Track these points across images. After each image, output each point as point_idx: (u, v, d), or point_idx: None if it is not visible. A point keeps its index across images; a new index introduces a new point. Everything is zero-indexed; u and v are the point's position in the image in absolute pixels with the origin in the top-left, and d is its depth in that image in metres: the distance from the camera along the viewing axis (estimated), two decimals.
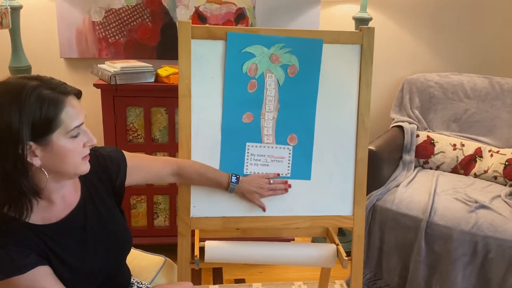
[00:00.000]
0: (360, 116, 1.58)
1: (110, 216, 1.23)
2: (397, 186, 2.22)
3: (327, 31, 1.55)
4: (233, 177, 1.49)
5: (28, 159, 0.99)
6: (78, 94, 1.07)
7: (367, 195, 1.69)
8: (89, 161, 1.12)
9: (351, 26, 2.41)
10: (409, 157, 2.43)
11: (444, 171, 2.43)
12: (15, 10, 2.20)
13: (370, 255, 2.20)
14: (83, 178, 1.18)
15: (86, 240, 1.16)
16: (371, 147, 2.15)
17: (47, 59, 2.48)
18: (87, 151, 1.09)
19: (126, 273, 1.36)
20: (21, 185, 1.00)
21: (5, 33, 2.25)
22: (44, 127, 0.99)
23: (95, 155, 1.20)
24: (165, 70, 2.25)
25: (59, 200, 1.12)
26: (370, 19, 2.37)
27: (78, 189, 1.18)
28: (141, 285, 1.38)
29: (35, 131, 0.98)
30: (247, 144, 1.56)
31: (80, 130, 1.06)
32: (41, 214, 1.09)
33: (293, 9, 2.51)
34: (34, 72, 2.35)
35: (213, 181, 1.49)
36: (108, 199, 1.24)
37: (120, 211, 1.29)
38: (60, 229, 1.10)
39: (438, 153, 2.44)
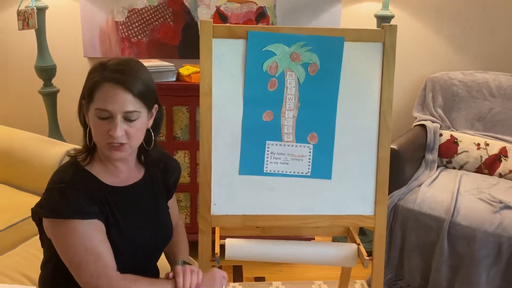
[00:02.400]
0: (382, 114, 1.56)
1: (161, 206, 1.32)
2: (419, 185, 2.19)
3: (349, 29, 1.54)
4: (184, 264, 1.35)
5: (84, 113, 1.15)
6: (120, 83, 1.10)
7: (388, 194, 1.67)
8: (156, 154, 1.27)
9: (372, 24, 2.39)
10: (432, 156, 2.40)
11: (467, 170, 2.39)
12: (41, 10, 2.25)
13: (391, 255, 2.18)
14: (148, 165, 1.29)
15: (138, 214, 1.23)
16: (393, 146, 2.13)
17: (71, 59, 2.53)
18: (110, 139, 1.11)
19: (157, 272, 1.39)
20: (85, 136, 1.17)
21: (31, 33, 2.30)
22: (87, 95, 1.13)
23: (162, 152, 1.34)
24: (186, 69, 2.27)
25: (125, 169, 1.23)
26: (392, 16, 2.35)
27: (142, 172, 1.29)
28: None
29: (85, 93, 1.14)
30: (267, 142, 1.56)
31: (106, 115, 1.10)
32: (109, 176, 1.20)
33: (314, 8, 2.50)
34: (58, 72, 2.40)
35: (172, 254, 1.40)
36: (162, 192, 1.34)
37: (167, 206, 1.37)
38: (121, 194, 1.19)
39: (461, 153, 2.40)
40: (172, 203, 1.41)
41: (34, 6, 2.18)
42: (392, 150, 2.03)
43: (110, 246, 1.14)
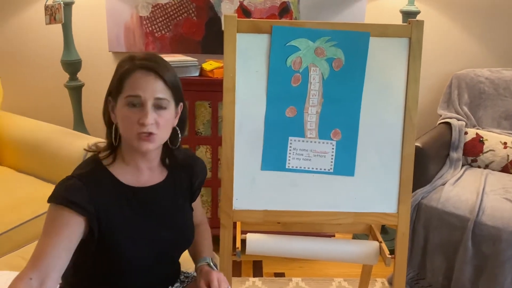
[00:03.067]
0: (407, 111, 1.54)
1: (183, 209, 1.31)
2: (444, 184, 2.16)
3: (374, 24, 1.52)
4: (210, 262, 1.32)
5: (110, 111, 1.16)
6: (152, 70, 1.12)
7: (412, 192, 1.65)
8: (181, 156, 1.26)
9: (397, 20, 2.36)
10: (457, 154, 2.35)
11: (493, 170, 2.34)
12: (68, 5, 2.28)
13: (413, 253, 2.15)
14: (171, 167, 1.28)
15: (154, 215, 1.21)
16: (417, 144, 2.10)
17: (96, 53, 2.57)
18: (141, 129, 1.11)
19: (177, 268, 1.39)
20: (110, 135, 1.17)
21: (58, 28, 2.34)
22: (115, 88, 1.14)
23: (186, 153, 1.32)
24: (209, 64, 2.28)
25: (146, 170, 1.21)
26: (418, 12, 2.31)
27: (164, 174, 1.27)
28: (188, 275, 1.41)
29: (112, 89, 1.15)
30: (290, 138, 1.55)
31: (137, 102, 1.11)
32: (129, 176, 1.19)
33: (338, 3, 2.47)
34: (83, 66, 2.44)
35: (196, 253, 1.38)
36: (186, 194, 1.32)
37: (191, 208, 1.36)
38: (139, 194, 1.17)
39: (487, 151, 2.35)
40: (196, 204, 1.40)
41: (61, 1, 2.21)
42: (416, 147, 1.99)
43: (68, 249, 1.08)
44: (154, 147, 1.16)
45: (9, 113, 2.40)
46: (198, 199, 1.42)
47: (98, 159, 1.19)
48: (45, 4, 2.18)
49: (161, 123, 1.13)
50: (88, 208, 1.09)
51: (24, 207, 1.88)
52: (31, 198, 1.94)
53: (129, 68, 1.12)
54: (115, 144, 1.18)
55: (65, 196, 1.09)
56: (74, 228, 1.08)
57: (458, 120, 2.43)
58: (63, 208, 1.08)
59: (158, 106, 1.12)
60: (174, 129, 1.21)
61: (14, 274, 1.46)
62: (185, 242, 1.31)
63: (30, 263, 1.07)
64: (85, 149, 1.25)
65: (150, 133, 1.11)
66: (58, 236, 1.06)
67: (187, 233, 1.31)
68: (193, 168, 1.34)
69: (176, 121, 1.21)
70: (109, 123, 1.18)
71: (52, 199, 1.11)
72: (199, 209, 1.44)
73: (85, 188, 1.10)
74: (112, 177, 1.16)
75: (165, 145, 1.23)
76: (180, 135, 1.24)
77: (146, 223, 1.20)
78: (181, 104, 1.22)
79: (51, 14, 2.19)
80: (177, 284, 1.35)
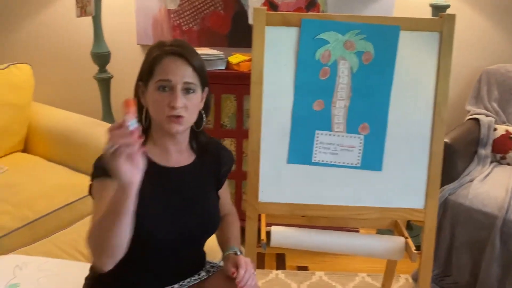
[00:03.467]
0: (437, 106, 1.52)
1: (210, 195, 1.33)
2: (471, 181, 2.13)
3: (405, 18, 1.50)
4: (238, 251, 1.32)
5: (140, 96, 1.21)
6: (181, 56, 1.17)
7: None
8: (210, 146, 1.30)
9: (426, 14, 2.32)
10: (485, 151, 2.31)
11: None
12: None
13: (439, 250, 2.13)
14: (199, 152, 1.31)
15: (179, 197, 1.24)
16: (446, 140, 2.06)
17: (125, 46, 2.60)
18: (171, 112, 1.15)
19: (202, 255, 1.41)
20: (140, 118, 1.19)
21: (88, 20, 2.38)
22: (146, 73, 1.19)
23: (215, 141, 1.36)
24: (235, 58, 2.29)
25: (175, 152, 1.25)
26: (448, 6, 2.27)
27: (192, 158, 1.30)
28: (214, 264, 1.43)
29: (142, 74, 1.20)
30: (317, 132, 1.55)
31: (167, 86, 1.15)
32: (158, 157, 1.23)
33: None
34: (112, 58, 2.48)
35: (223, 242, 1.39)
36: (212, 181, 1.34)
37: (217, 196, 1.37)
38: (168, 173, 1.19)
39: None
40: (223, 193, 1.40)
41: None
42: (444, 143, 1.97)
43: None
44: (183, 129, 1.20)
45: (40, 104, 2.46)
46: (226, 190, 1.43)
47: None
48: None
49: (190, 106, 1.18)
50: None
51: (55, 195, 1.93)
52: (61, 187, 1.99)
53: (159, 54, 1.17)
54: (145, 127, 1.22)
55: (102, 167, 1.09)
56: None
57: (487, 116, 2.39)
58: (104, 179, 1.10)
59: (187, 90, 1.17)
60: (199, 113, 1.26)
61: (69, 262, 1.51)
62: (211, 226, 1.32)
63: None
64: None
65: (180, 116, 1.16)
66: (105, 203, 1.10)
67: (212, 218, 1.32)
68: (220, 156, 1.36)
69: (202, 105, 1.26)
70: (140, 107, 1.22)
71: (92, 176, 1.17)
72: (227, 199, 1.45)
73: None
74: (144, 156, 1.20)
75: (190, 128, 1.27)
76: (204, 118, 1.28)
77: (173, 203, 1.23)
78: (206, 88, 1.27)
79: (81, 7, 2.23)
80: (203, 273, 1.37)
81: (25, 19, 2.64)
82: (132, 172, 0.93)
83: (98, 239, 1.01)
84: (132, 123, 0.90)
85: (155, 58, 1.17)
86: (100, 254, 1.02)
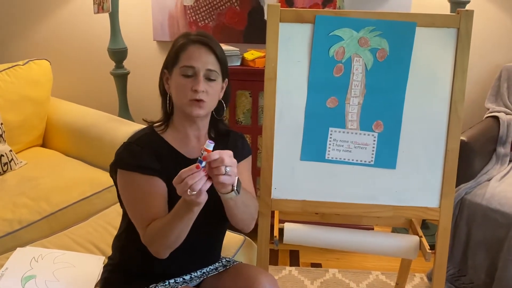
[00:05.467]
0: (453, 104, 1.50)
1: None
2: (489, 180, 2.09)
3: (421, 14, 1.48)
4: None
5: (165, 82, 1.28)
6: (205, 45, 1.23)
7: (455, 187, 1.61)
8: (228, 135, 1.34)
9: (444, 10, 2.28)
10: (504, 150, 2.27)
11: None
12: None
13: (454, 250, 2.10)
14: (217, 142, 1.28)
15: None
16: (463, 138, 2.03)
17: (141, 42, 2.62)
18: (194, 95, 1.21)
19: (219, 246, 1.43)
20: (164, 104, 1.29)
21: (105, 17, 2.40)
22: (171, 61, 1.26)
23: (235, 132, 1.40)
24: (251, 54, 2.28)
25: (194, 138, 1.30)
26: (468, 1, 2.22)
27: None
28: (229, 259, 1.44)
29: (168, 62, 1.27)
30: (330, 129, 1.55)
31: (191, 72, 1.22)
32: (179, 143, 1.29)
33: None
34: (129, 54, 2.50)
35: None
36: None
37: None
38: (186, 162, 1.17)
39: None
40: (243, 178, 1.33)
41: None
42: (462, 141, 1.94)
43: (165, 203, 1.20)
44: (203, 113, 1.25)
45: (58, 99, 2.50)
46: (246, 174, 1.37)
47: (152, 127, 1.31)
48: None
49: (210, 92, 1.23)
50: (155, 167, 1.21)
51: (71, 189, 1.96)
52: (78, 181, 2.02)
53: (185, 42, 1.24)
54: (168, 112, 1.29)
55: (131, 162, 1.21)
56: (155, 186, 1.20)
57: (507, 114, 2.34)
58: (135, 174, 1.20)
59: (209, 77, 1.23)
60: (219, 102, 1.31)
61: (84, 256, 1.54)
62: (226, 221, 1.30)
63: (142, 230, 1.19)
64: (143, 119, 1.40)
65: (201, 100, 1.22)
66: (145, 197, 1.19)
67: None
68: (236, 148, 1.35)
69: (222, 95, 1.31)
70: (164, 93, 1.30)
71: (121, 165, 1.23)
72: (247, 184, 1.36)
73: (145, 151, 1.22)
74: (164, 142, 1.28)
75: (211, 117, 1.32)
76: (224, 107, 1.34)
77: None
78: (227, 79, 1.32)
79: (99, 4, 2.25)
80: (220, 268, 1.38)
81: (44, 16, 2.68)
82: (201, 197, 1.04)
83: (161, 236, 1.14)
84: (204, 163, 1.03)
85: (180, 45, 1.24)
86: (161, 246, 1.16)
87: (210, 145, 1.04)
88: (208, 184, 1.04)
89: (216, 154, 1.03)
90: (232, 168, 1.05)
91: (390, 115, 1.51)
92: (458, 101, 1.50)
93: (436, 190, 1.55)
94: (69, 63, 2.74)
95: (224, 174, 1.03)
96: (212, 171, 1.04)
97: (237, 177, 1.10)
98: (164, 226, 1.14)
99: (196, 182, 1.01)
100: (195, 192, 1.02)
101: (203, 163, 1.03)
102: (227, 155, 1.04)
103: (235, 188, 1.10)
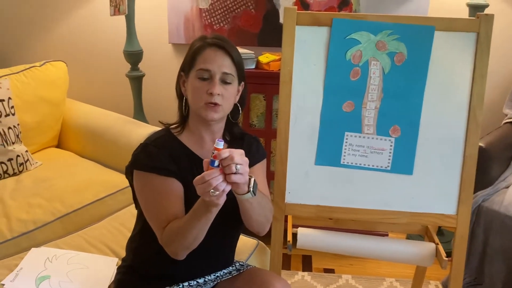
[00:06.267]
0: (472, 109, 1.47)
1: None
2: (507, 187, 2.05)
3: (440, 18, 1.46)
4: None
5: (181, 85, 1.28)
6: (221, 48, 1.23)
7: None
8: (243, 138, 1.34)
9: (462, 14, 2.25)
10: None
11: None
12: None
13: (471, 258, 2.07)
14: (232, 145, 1.33)
15: None
16: (480, 144, 2.00)
17: (156, 44, 2.63)
18: (209, 98, 1.21)
19: (233, 250, 1.42)
20: (181, 106, 1.30)
21: (121, 19, 2.41)
22: (187, 64, 1.27)
23: (249, 135, 1.39)
24: (265, 57, 2.28)
25: (209, 141, 1.30)
26: (487, 5, 2.20)
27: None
28: (242, 263, 1.43)
29: (184, 65, 1.28)
30: (346, 133, 1.53)
31: (207, 75, 1.22)
32: (194, 145, 1.29)
33: None
34: (144, 57, 2.51)
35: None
36: None
37: None
38: (201, 164, 1.15)
39: None
40: (259, 182, 1.30)
41: None
42: (479, 148, 1.91)
43: (182, 204, 1.20)
44: (218, 117, 1.25)
45: (74, 101, 2.52)
46: (260, 177, 1.36)
47: (169, 129, 1.32)
48: None
49: (226, 95, 1.23)
50: (172, 169, 1.22)
51: (86, 190, 1.97)
52: (92, 182, 2.03)
53: (201, 45, 1.25)
54: (184, 114, 1.30)
55: (148, 163, 1.22)
56: (172, 188, 1.21)
57: None
58: (152, 175, 1.20)
59: (224, 80, 1.23)
60: (235, 105, 1.31)
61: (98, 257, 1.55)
62: (240, 225, 1.30)
63: (160, 231, 1.19)
64: (159, 121, 1.39)
65: (216, 104, 1.22)
66: (163, 199, 1.19)
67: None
68: (251, 151, 1.33)
69: (237, 98, 1.31)
70: (180, 95, 1.31)
71: (138, 166, 1.23)
72: (262, 187, 1.34)
73: (162, 152, 1.23)
74: (181, 143, 1.29)
75: (226, 121, 1.32)
76: (240, 111, 1.34)
77: None
78: (243, 83, 1.32)
79: (115, 6, 2.27)
80: (234, 272, 1.37)
81: (60, 18, 2.71)
82: (221, 199, 1.03)
83: (179, 236, 1.14)
84: (216, 162, 1.02)
85: (197, 48, 1.25)
86: (178, 246, 1.15)
87: (220, 143, 1.03)
88: (229, 187, 1.04)
89: (226, 152, 1.02)
90: (242, 167, 1.03)
91: (408, 120, 1.49)
92: (477, 107, 1.48)
93: (454, 196, 1.52)
94: (85, 65, 2.76)
95: (235, 173, 1.02)
96: (224, 170, 1.03)
97: (253, 178, 1.09)
98: (182, 227, 1.13)
99: (220, 183, 1.01)
100: (218, 193, 1.01)
101: (215, 162, 1.02)
102: (237, 153, 1.03)
103: (251, 189, 1.08)
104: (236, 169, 1.02)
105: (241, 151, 1.05)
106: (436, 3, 2.42)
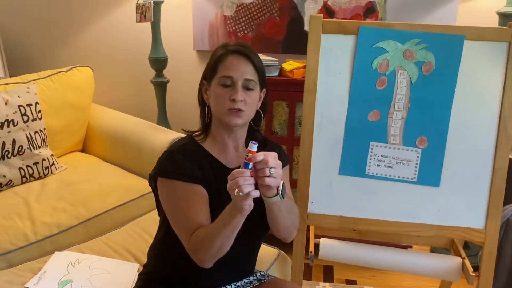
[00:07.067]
0: (503, 121, 1.43)
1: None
2: None
3: (471, 27, 1.42)
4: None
5: (203, 93, 1.29)
6: (243, 55, 1.24)
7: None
8: (267, 145, 1.33)
9: (491, 22, 2.20)
10: None
11: None
12: (157, 4, 2.37)
13: (499, 273, 1.99)
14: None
15: None
16: (510, 156, 1.94)
17: (181, 51, 2.65)
18: (232, 105, 1.22)
19: (254, 260, 1.41)
20: (203, 114, 1.30)
21: (147, 26, 2.44)
22: (210, 71, 1.27)
23: (271, 142, 1.38)
24: (289, 64, 2.27)
25: (232, 148, 1.30)
26: None
27: None
28: (263, 273, 1.42)
29: (206, 72, 1.29)
30: (371, 143, 1.50)
31: (229, 82, 1.22)
32: (217, 152, 1.29)
33: (428, 3, 2.36)
34: (169, 63, 2.53)
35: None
36: None
37: None
38: (225, 172, 1.15)
39: None
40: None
41: (152, 0, 2.30)
42: (510, 160, 1.85)
43: (208, 210, 1.19)
44: (241, 123, 1.25)
45: (99, 106, 2.55)
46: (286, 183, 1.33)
47: (192, 137, 1.32)
48: (137, 3, 2.28)
49: (248, 102, 1.24)
50: (197, 175, 1.22)
51: (109, 195, 1.98)
52: (115, 187, 2.04)
53: (224, 52, 1.25)
54: (207, 121, 1.30)
55: (173, 170, 1.22)
56: (198, 194, 1.20)
57: None
58: (177, 182, 1.20)
59: (247, 86, 1.23)
60: (257, 112, 1.30)
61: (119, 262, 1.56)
62: (265, 223, 1.25)
63: (187, 238, 1.17)
64: (182, 129, 1.40)
65: (239, 109, 1.22)
66: (189, 206, 1.18)
67: (266, 223, 1.25)
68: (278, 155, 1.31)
69: (259, 105, 1.31)
70: (203, 103, 1.31)
71: (163, 173, 1.24)
72: (287, 192, 1.31)
73: (187, 159, 1.24)
74: (204, 150, 1.29)
75: (249, 127, 1.32)
76: (262, 117, 1.33)
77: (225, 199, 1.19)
78: (264, 89, 1.32)
79: (141, 13, 2.29)
80: (255, 282, 1.36)
81: (87, 24, 2.76)
82: (247, 202, 1.01)
83: (206, 243, 1.12)
84: (250, 165, 1.02)
85: (219, 56, 1.25)
86: (205, 253, 1.13)
87: (253, 145, 1.02)
88: (257, 193, 1.02)
89: (261, 155, 1.01)
90: (276, 170, 1.02)
91: (435, 130, 1.46)
92: (508, 118, 1.43)
93: (482, 210, 1.48)
94: (111, 71, 2.80)
95: (268, 176, 1.01)
96: (257, 173, 1.02)
97: (282, 181, 1.08)
98: (209, 234, 1.12)
99: (245, 184, 1.00)
100: (242, 194, 1.00)
101: (250, 165, 1.01)
102: (272, 157, 1.02)
103: (280, 192, 1.07)
104: (270, 172, 1.01)
105: (275, 154, 1.04)
106: (464, 11, 2.37)
